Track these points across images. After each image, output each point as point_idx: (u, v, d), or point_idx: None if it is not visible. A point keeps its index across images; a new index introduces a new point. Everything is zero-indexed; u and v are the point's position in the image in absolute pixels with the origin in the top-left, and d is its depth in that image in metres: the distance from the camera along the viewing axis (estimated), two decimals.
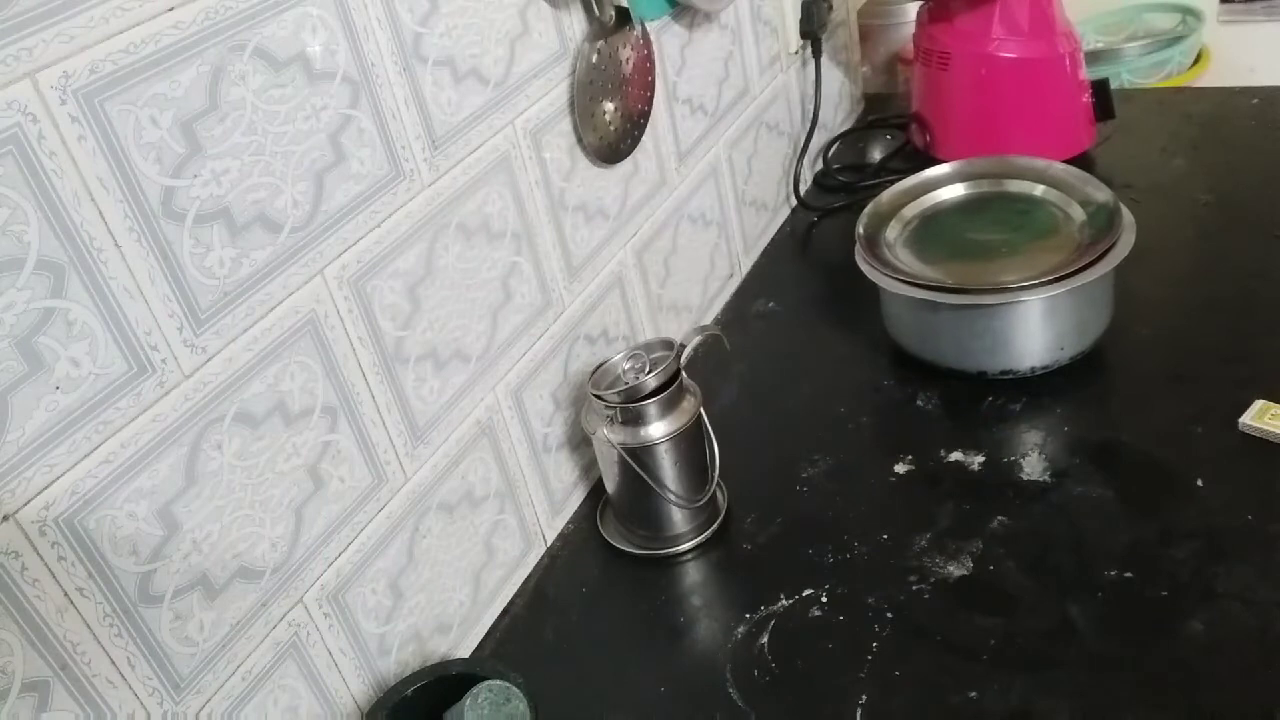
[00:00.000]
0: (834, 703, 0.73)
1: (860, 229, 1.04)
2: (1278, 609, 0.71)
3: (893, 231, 1.05)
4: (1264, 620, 0.71)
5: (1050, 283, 0.91)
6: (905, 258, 1.01)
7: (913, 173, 1.11)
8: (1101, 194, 0.99)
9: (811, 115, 1.36)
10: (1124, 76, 2.27)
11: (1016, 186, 1.07)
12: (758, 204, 1.29)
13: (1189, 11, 2.39)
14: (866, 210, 1.06)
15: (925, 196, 1.08)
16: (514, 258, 0.85)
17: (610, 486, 0.92)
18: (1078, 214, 1.00)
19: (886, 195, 1.08)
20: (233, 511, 0.63)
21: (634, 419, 0.86)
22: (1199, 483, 0.83)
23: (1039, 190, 1.05)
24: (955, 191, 1.08)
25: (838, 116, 1.52)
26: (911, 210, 1.07)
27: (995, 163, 1.09)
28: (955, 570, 0.81)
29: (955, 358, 0.98)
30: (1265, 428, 0.85)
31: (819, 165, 1.45)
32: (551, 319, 0.91)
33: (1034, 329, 0.94)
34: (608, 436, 0.87)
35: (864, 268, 1.01)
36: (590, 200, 0.95)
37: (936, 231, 1.04)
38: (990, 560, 0.81)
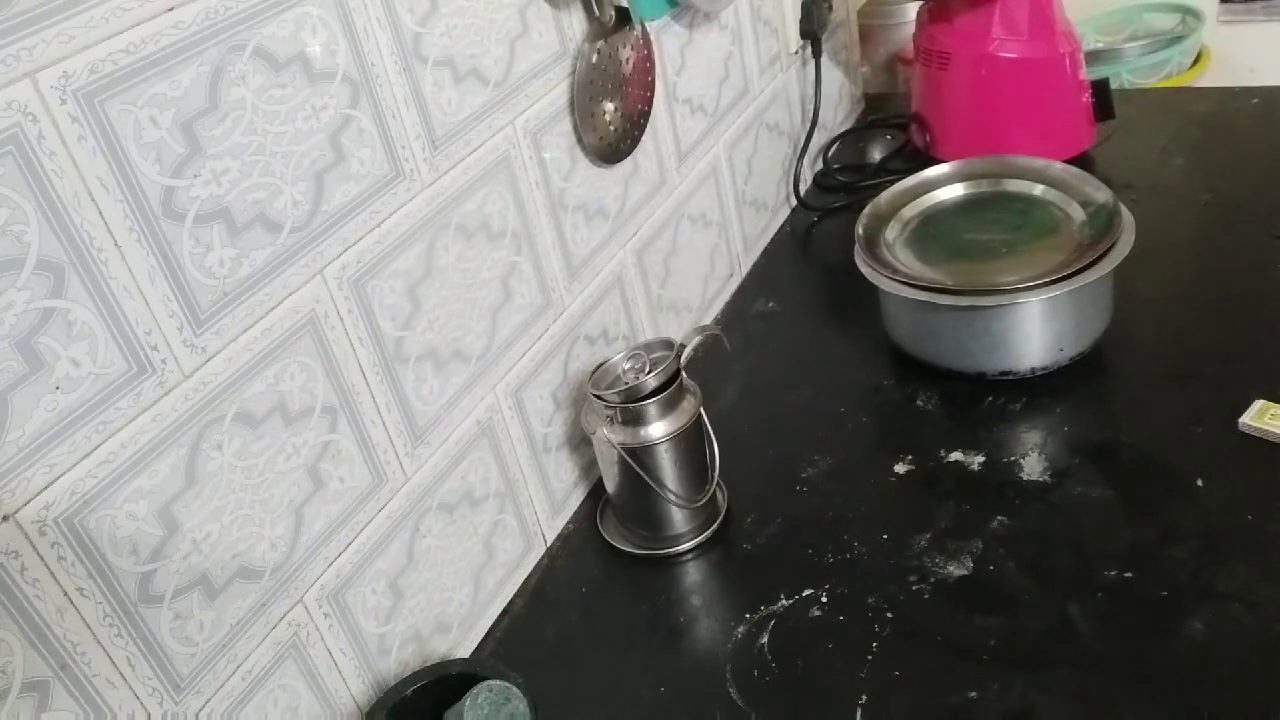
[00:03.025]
0: (834, 703, 0.73)
1: (859, 229, 1.04)
2: (1278, 609, 0.71)
3: (892, 232, 1.05)
4: (1264, 620, 0.71)
5: (1049, 284, 0.91)
6: (905, 258, 1.01)
7: (912, 173, 1.11)
8: (1101, 194, 0.99)
9: (811, 115, 1.36)
10: (1124, 76, 2.27)
11: (1016, 186, 1.07)
12: (758, 204, 1.29)
13: (1189, 11, 2.39)
14: (866, 211, 1.06)
15: (925, 196, 1.08)
16: (514, 258, 0.85)
17: (610, 486, 0.92)
18: (1077, 214, 1.00)
19: (886, 196, 1.08)
20: (233, 511, 0.63)
21: (634, 419, 0.86)
22: (1199, 483, 0.83)
23: (1039, 190, 1.05)
24: (955, 191, 1.08)
25: (838, 116, 1.52)
26: (911, 210, 1.07)
27: (995, 163, 1.09)
28: (955, 570, 0.81)
29: (954, 359, 0.98)
30: (1265, 428, 0.85)
31: (819, 165, 1.45)
32: (551, 319, 0.91)
33: (1033, 330, 0.94)
34: (608, 436, 0.87)
35: (863, 269, 1.01)
36: (590, 200, 0.95)
37: (936, 232, 1.04)
38: (990, 560, 0.81)
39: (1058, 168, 1.05)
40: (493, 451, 0.86)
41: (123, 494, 0.57)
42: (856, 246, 1.03)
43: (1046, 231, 1.00)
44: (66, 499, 0.54)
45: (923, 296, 0.94)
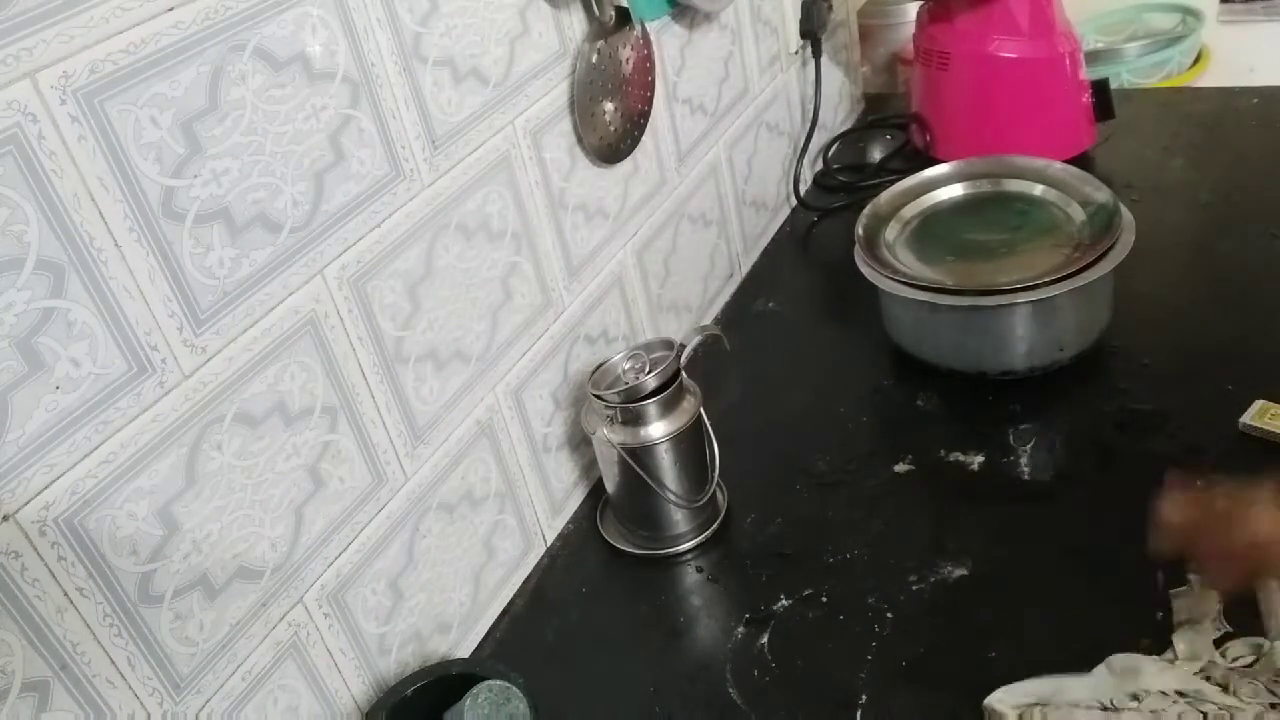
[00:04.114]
0: (834, 703, 0.73)
1: (859, 229, 1.04)
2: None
3: (892, 232, 1.05)
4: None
5: (1049, 284, 0.91)
6: (905, 258, 1.01)
7: (912, 173, 1.11)
8: (1101, 194, 0.99)
9: (811, 115, 1.36)
10: (1124, 76, 2.27)
11: (1016, 186, 1.07)
12: (758, 204, 1.29)
13: (1189, 11, 2.40)
14: (866, 211, 1.06)
15: (925, 196, 1.08)
16: (514, 258, 0.85)
17: (610, 486, 0.92)
18: (1077, 214, 1.00)
19: (885, 196, 1.08)
20: (233, 511, 0.63)
21: (634, 419, 0.86)
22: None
23: (1038, 190, 1.05)
24: (954, 191, 1.08)
25: (838, 116, 1.52)
26: (911, 210, 1.07)
27: (994, 162, 1.09)
28: (955, 570, 0.81)
29: (955, 358, 0.99)
30: (1265, 428, 0.85)
31: (819, 165, 1.45)
32: (551, 319, 0.91)
33: (1033, 330, 0.94)
34: (608, 436, 0.87)
35: (863, 269, 1.01)
36: (590, 200, 0.95)
37: (936, 232, 1.04)
38: (990, 560, 0.81)
39: (1058, 168, 1.05)
40: (493, 451, 0.86)
41: (123, 494, 0.57)
42: (856, 246, 1.03)
43: (1046, 231, 1.00)
44: (66, 499, 0.54)
45: (922, 296, 0.94)
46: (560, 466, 0.95)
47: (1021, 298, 0.91)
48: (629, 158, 0.98)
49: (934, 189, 1.09)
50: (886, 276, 0.98)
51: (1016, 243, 0.99)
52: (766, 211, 1.33)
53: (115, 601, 0.57)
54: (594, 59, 0.90)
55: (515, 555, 0.90)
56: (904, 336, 1.03)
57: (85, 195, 0.54)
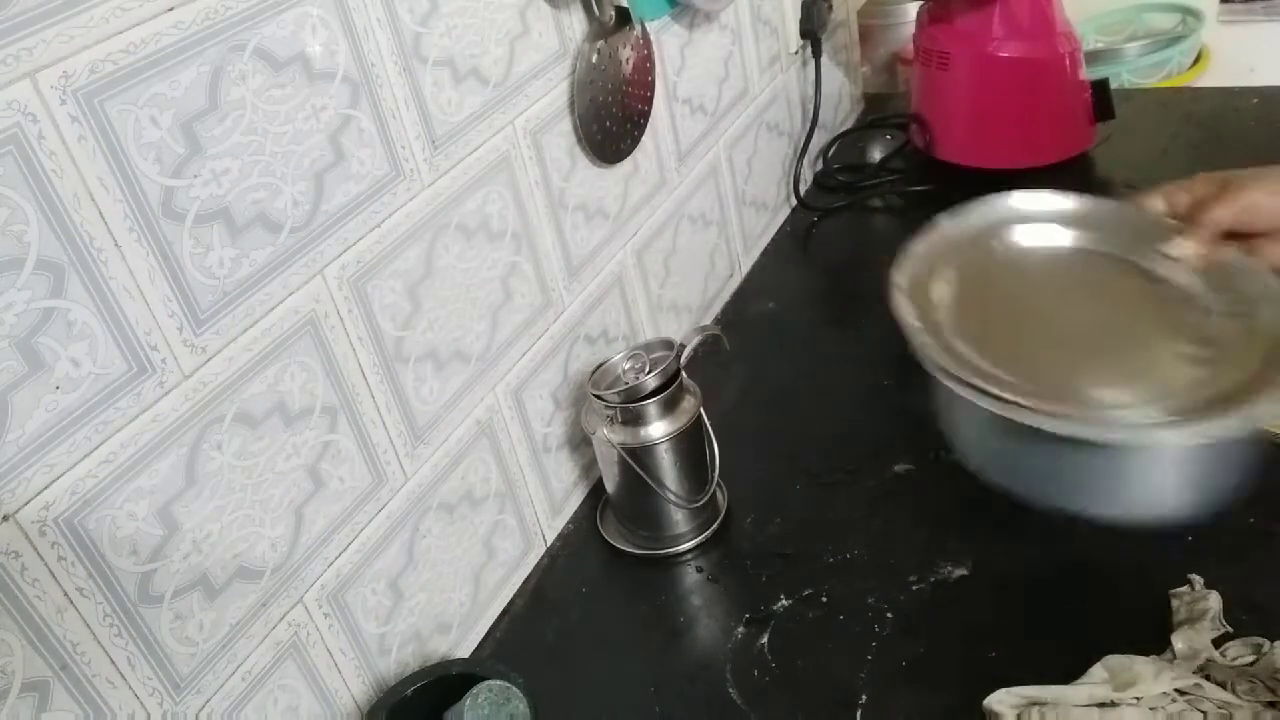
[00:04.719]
0: (834, 703, 0.73)
1: (898, 278, 0.73)
2: (1278, 609, 0.71)
3: (942, 287, 0.74)
4: (1264, 621, 0.71)
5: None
6: (954, 320, 0.72)
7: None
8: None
9: (811, 115, 1.36)
10: (1124, 76, 2.27)
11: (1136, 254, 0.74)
12: (758, 204, 1.29)
13: (1189, 11, 2.40)
14: (909, 253, 0.75)
15: (997, 236, 0.78)
16: (514, 258, 0.86)
17: (610, 486, 0.92)
18: (1216, 305, 0.69)
19: (938, 236, 0.77)
20: (233, 511, 0.63)
21: (634, 419, 0.86)
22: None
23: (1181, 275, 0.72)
24: (1041, 237, 0.77)
25: (838, 116, 1.52)
26: (970, 254, 0.76)
27: (1111, 210, 0.78)
28: (955, 570, 0.81)
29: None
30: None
31: (819, 165, 1.45)
32: (551, 319, 0.91)
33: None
34: (608, 436, 0.87)
35: (924, 359, 0.71)
36: (590, 200, 0.95)
37: (1007, 293, 0.74)
38: (990, 560, 0.81)
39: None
40: (493, 451, 0.86)
41: (123, 494, 0.57)
42: (893, 294, 0.72)
43: (1171, 323, 0.70)
44: (66, 499, 0.54)
45: (1004, 413, 0.66)
46: (560, 466, 0.95)
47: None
48: (629, 158, 0.98)
49: (1012, 223, 0.78)
50: (951, 376, 0.69)
51: (1126, 330, 0.71)
52: (766, 211, 1.33)
53: (115, 601, 0.57)
54: (594, 59, 0.90)
55: (515, 555, 0.90)
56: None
57: (85, 195, 0.54)
